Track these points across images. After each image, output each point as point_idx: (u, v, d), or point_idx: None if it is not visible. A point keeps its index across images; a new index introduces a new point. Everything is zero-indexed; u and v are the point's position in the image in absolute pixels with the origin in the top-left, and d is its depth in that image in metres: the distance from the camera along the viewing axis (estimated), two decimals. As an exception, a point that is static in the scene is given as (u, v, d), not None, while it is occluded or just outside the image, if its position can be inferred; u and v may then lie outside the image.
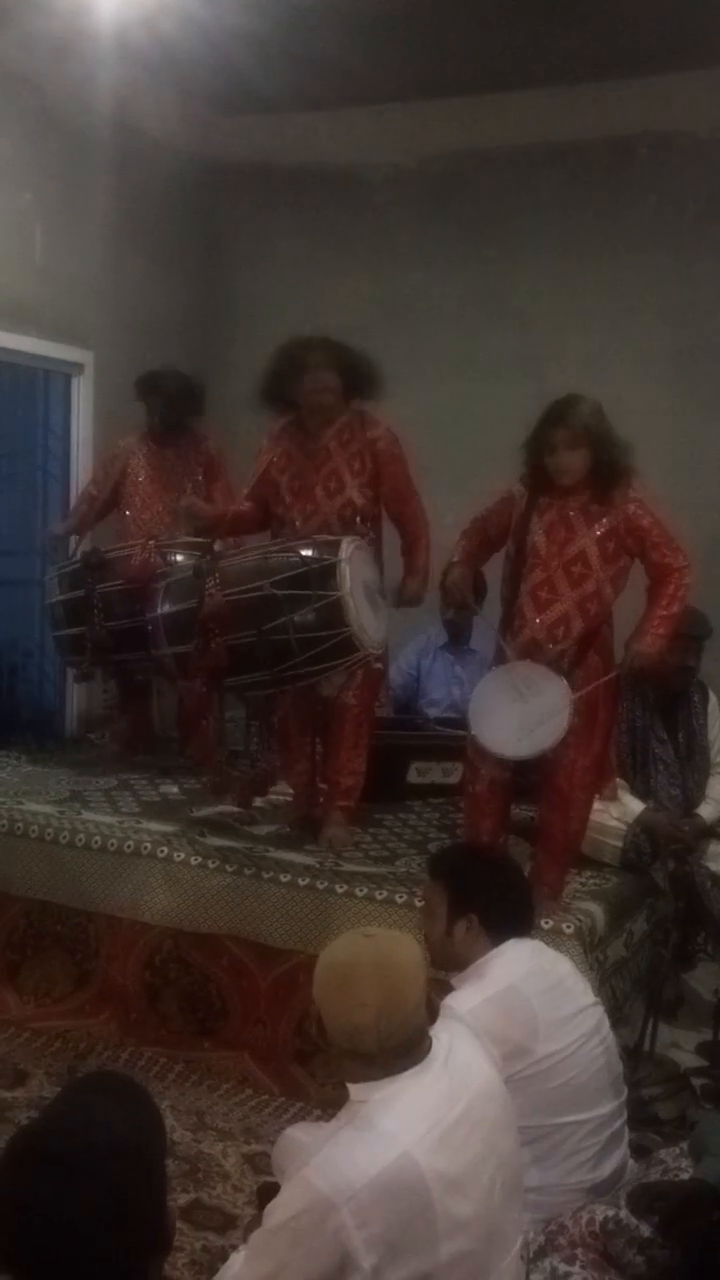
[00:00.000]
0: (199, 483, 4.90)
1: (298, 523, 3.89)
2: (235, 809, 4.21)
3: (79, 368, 5.73)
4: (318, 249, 6.30)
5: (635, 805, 4.00)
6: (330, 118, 6.10)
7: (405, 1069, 2.01)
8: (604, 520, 3.38)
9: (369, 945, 2.08)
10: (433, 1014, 2.21)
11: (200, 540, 4.21)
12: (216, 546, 4.07)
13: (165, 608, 4.01)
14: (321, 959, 2.14)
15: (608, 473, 3.35)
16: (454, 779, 4.26)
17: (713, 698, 4.28)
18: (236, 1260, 2.06)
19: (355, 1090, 2.02)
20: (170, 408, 4.85)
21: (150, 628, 4.14)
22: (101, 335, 5.74)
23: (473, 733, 3.52)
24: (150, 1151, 1.54)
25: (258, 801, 4.34)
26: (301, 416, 3.93)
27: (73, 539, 5.12)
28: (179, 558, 4.31)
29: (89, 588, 4.51)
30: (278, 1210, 1.94)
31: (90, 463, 5.56)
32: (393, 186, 6.23)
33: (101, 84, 5.30)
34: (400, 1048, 2.01)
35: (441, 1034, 2.12)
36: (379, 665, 3.95)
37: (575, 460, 3.36)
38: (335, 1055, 2.10)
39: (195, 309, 6.37)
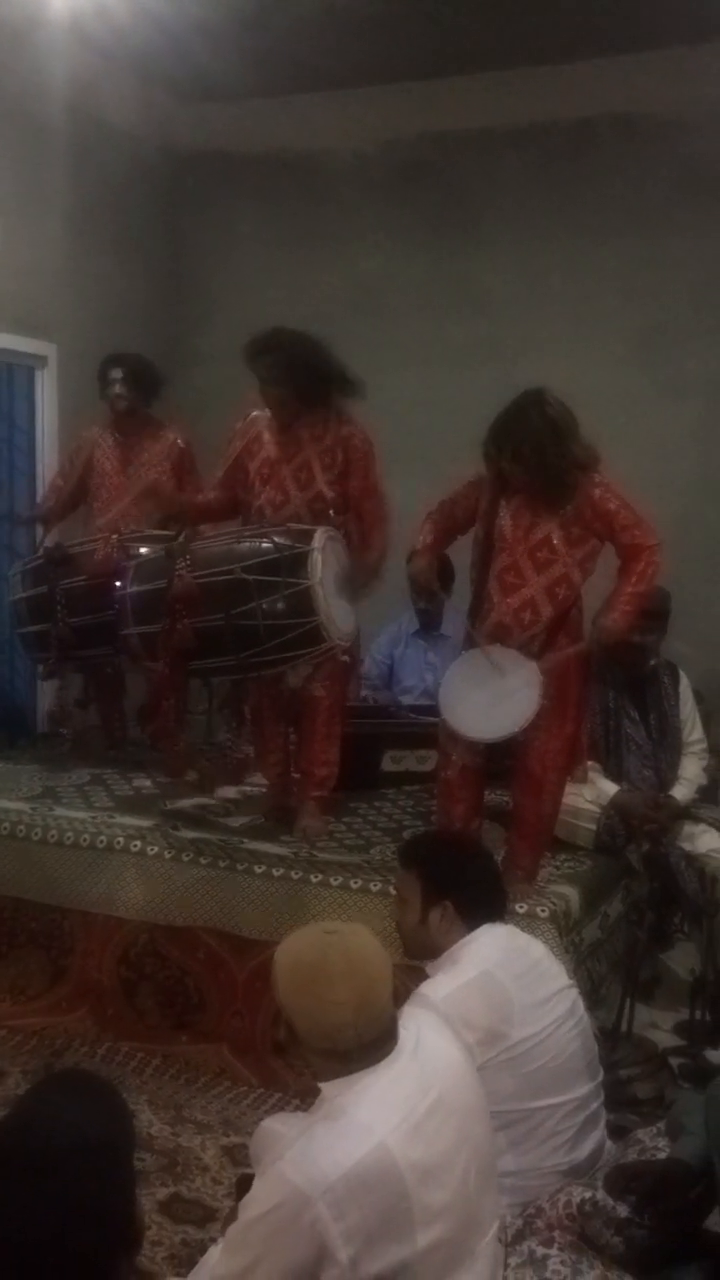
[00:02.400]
0: (165, 474, 4.86)
1: (267, 512, 3.87)
2: (209, 800, 4.19)
3: (42, 360, 5.69)
4: (281, 237, 6.27)
5: (609, 787, 4.01)
6: (291, 105, 6.06)
7: (377, 1061, 2.00)
8: (569, 506, 3.38)
9: (336, 942, 2.05)
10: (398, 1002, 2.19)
11: (165, 533, 4.17)
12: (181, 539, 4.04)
13: (134, 587, 3.97)
14: (284, 961, 2.10)
15: (559, 475, 3.32)
16: (428, 766, 4.26)
17: (683, 679, 4.30)
18: (214, 1254, 2.05)
19: (328, 1088, 2.01)
20: (133, 381, 4.78)
21: (117, 606, 4.09)
22: (65, 327, 5.69)
23: (443, 717, 3.52)
24: (119, 1149, 1.53)
25: (232, 793, 4.33)
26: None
27: (40, 532, 5.08)
28: (143, 551, 4.27)
29: (52, 584, 4.47)
30: (253, 1204, 1.93)
31: (56, 456, 5.52)
32: (355, 173, 6.21)
33: (59, 74, 5.26)
34: (376, 1041, 2.01)
35: (409, 1023, 2.11)
36: (346, 659, 3.93)
37: (518, 469, 3.35)
38: (308, 1056, 2.07)
39: (159, 299, 6.33)
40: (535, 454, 3.28)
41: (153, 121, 6.14)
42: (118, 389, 4.80)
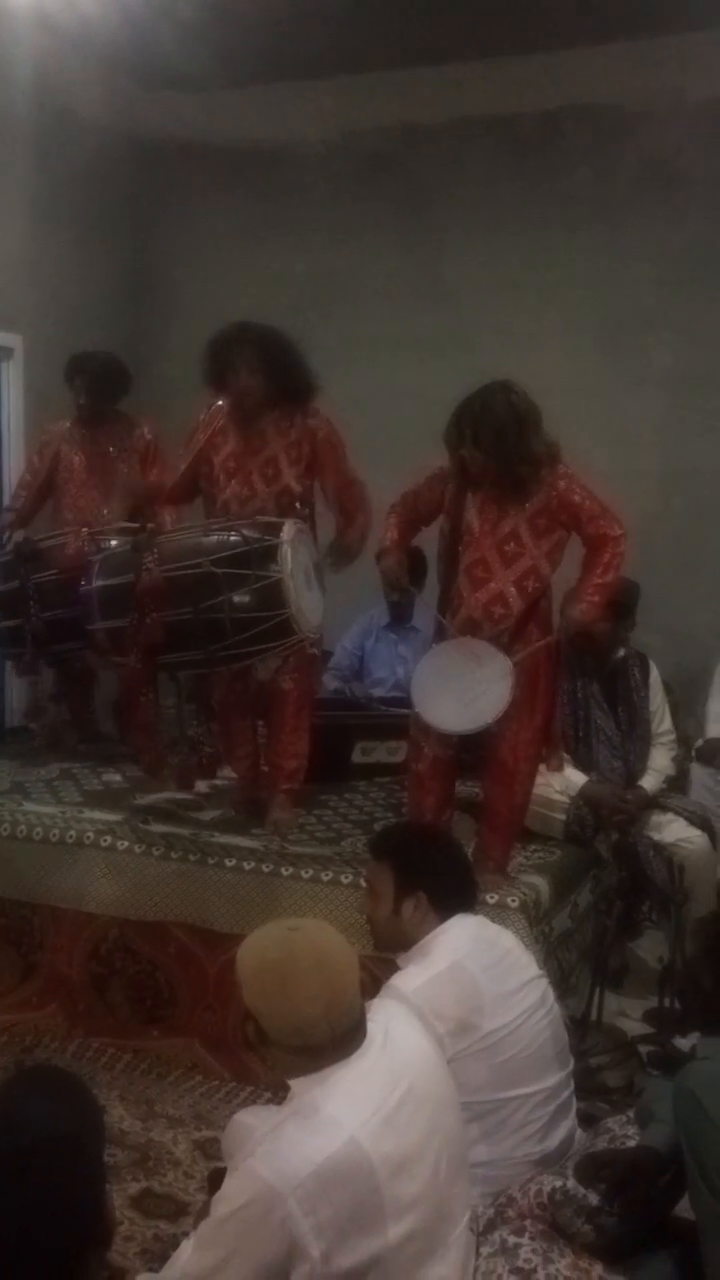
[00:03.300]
0: (133, 467, 4.83)
1: (233, 506, 3.85)
2: (180, 795, 4.18)
3: (8, 352, 5.64)
4: (247, 227, 6.24)
5: (578, 778, 4.03)
6: (258, 95, 6.03)
7: (348, 1055, 2.00)
8: (534, 498, 3.38)
9: (301, 938, 2.05)
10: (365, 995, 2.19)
11: (135, 525, 4.15)
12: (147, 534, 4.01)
13: (100, 581, 3.95)
14: (248, 962, 2.08)
15: (516, 465, 3.32)
16: (399, 758, 4.26)
17: (654, 670, 4.33)
18: (186, 1249, 2.05)
19: (298, 1084, 2.01)
20: (96, 389, 4.77)
21: (83, 600, 4.07)
22: (30, 319, 5.64)
23: (415, 710, 3.52)
24: (87, 1145, 1.53)
25: (203, 786, 4.31)
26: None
27: (2, 526, 5.03)
28: (114, 543, 4.24)
29: (23, 579, 4.43)
30: (224, 1201, 1.93)
31: (23, 449, 5.48)
32: (321, 164, 6.18)
33: (24, 63, 5.21)
34: (347, 1034, 2.01)
35: (378, 1015, 2.12)
36: (314, 651, 3.92)
37: (478, 456, 3.35)
38: (278, 1054, 2.05)
39: (125, 290, 6.29)
40: (496, 442, 3.29)
41: (119, 111, 6.09)
42: (81, 398, 4.78)
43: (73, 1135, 1.50)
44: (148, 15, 4.92)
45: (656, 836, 4.07)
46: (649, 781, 4.16)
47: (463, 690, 3.39)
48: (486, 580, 3.41)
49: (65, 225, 5.83)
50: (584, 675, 4.16)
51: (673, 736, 4.34)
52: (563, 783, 3.99)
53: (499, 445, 3.29)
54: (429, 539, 3.75)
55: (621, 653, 4.24)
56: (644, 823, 4.08)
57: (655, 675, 4.32)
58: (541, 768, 3.65)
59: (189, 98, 6.08)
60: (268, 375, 3.76)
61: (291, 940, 2.05)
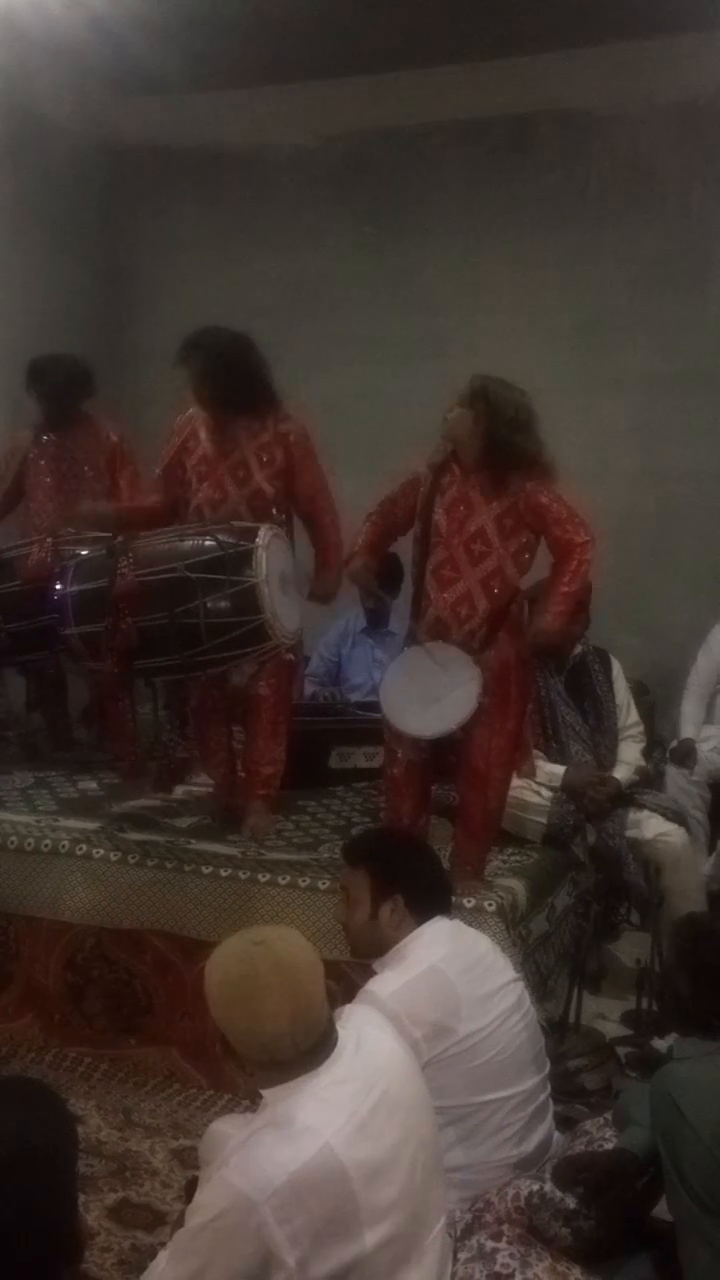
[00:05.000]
0: (101, 472, 4.80)
1: (206, 511, 3.84)
2: (155, 802, 4.16)
3: (-21, 358, 5.60)
4: (221, 231, 6.23)
5: (556, 769, 4.03)
6: (231, 99, 6.02)
7: (318, 1065, 1.99)
8: (502, 498, 3.38)
9: (264, 952, 2.03)
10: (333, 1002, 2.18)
11: (102, 535, 4.11)
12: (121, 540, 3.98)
13: (74, 586, 3.93)
14: (214, 976, 2.07)
15: (502, 452, 3.33)
16: (376, 763, 4.24)
17: (615, 664, 4.35)
18: (162, 1259, 2.03)
19: (270, 1093, 2.00)
20: (54, 395, 4.74)
21: (58, 605, 4.03)
22: (1, 324, 5.60)
23: (383, 714, 3.51)
24: (59, 1159, 1.52)
25: (178, 793, 4.30)
26: None
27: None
28: (83, 552, 4.21)
29: None
30: (199, 1211, 1.92)
31: (-3, 455, 5.43)
32: (295, 167, 6.18)
33: (-9, 67, 5.18)
34: (314, 1047, 2.00)
35: (349, 1021, 2.11)
36: (290, 657, 3.91)
37: (461, 421, 3.35)
38: (248, 1067, 2.06)
39: (98, 295, 6.27)
40: (490, 411, 3.30)
41: (90, 116, 6.06)
42: (41, 407, 4.74)
43: (44, 1149, 1.49)
44: (118, 20, 4.89)
45: (634, 834, 4.07)
46: (621, 773, 4.16)
47: (429, 694, 3.39)
48: (454, 580, 3.41)
49: (37, 230, 5.80)
50: (546, 672, 4.16)
51: (640, 729, 4.35)
52: (546, 775, 3.98)
53: (492, 416, 3.30)
54: (404, 549, 3.75)
55: (579, 649, 4.25)
56: (621, 822, 4.08)
57: (617, 669, 4.33)
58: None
59: (161, 102, 6.07)
60: (220, 384, 3.76)
61: (254, 955, 2.03)
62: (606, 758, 4.18)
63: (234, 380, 3.77)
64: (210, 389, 3.77)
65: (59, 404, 4.75)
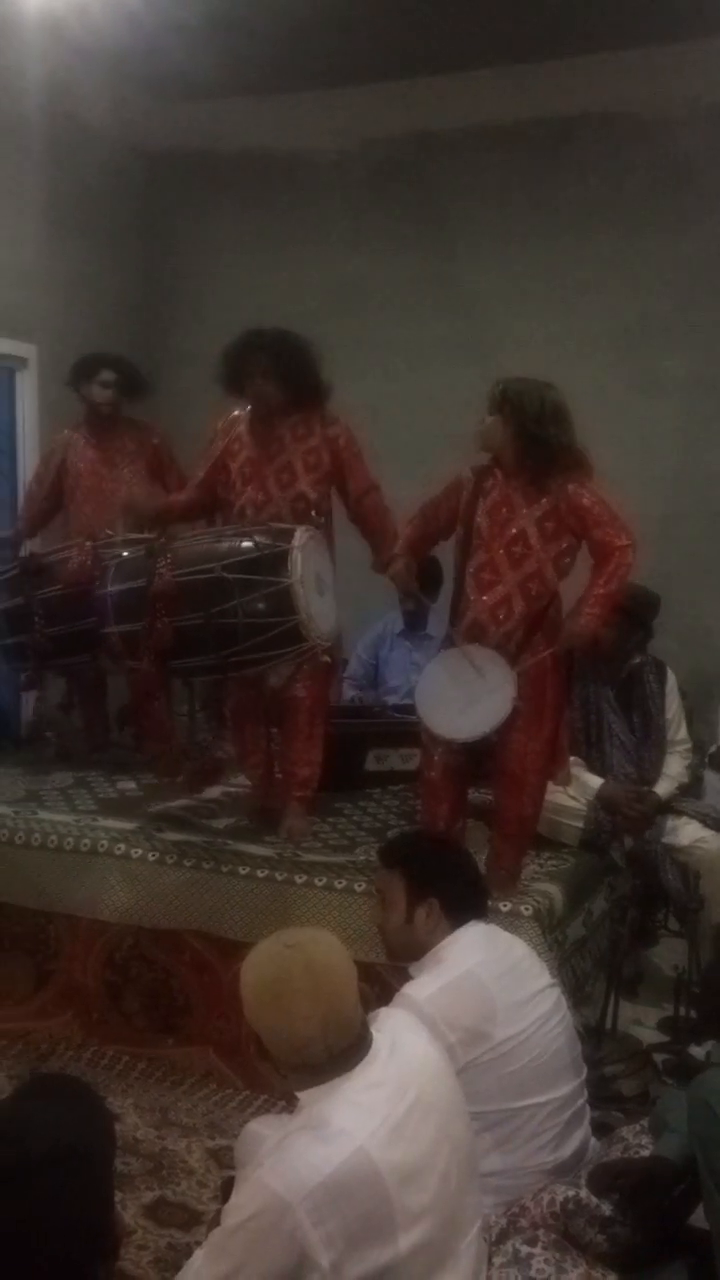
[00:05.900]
0: (141, 475, 4.83)
1: (249, 512, 3.86)
2: (193, 802, 4.18)
3: (22, 362, 5.67)
4: (261, 236, 6.25)
5: (594, 781, 4.01)
6: (271, 104, 6.04)
7: (351, 1068, 2.00)
8: (543, 500, 3.37)
9: (296, 955, 2.03)
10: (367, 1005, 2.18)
11: (142, 536, 4.15)
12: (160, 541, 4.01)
13: (114, 585, 3.96)
14: (247, 979, 2.08)
15: (538, 450, 3.32)
16: (412, 765, 4.25)
17: (671, 678, 4.29)
18: (197, 1258, 2.05)
19: (305, 1095, 2.01)
20: (125, 383, 4.77)
21: (98, 605, 4.07)
22: (45, 328, 5.67)
23: (419, 716, 3.51)
24: (96, 1156, 1.53)
25: (216, 793, 4.32)
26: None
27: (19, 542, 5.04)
28: (124, 554, 4.24)
29: (28, 596, 4.42)
30: (234, 1212, 1.93)
31: (37, 458, 5.49)
32: (336, 172, 6.19)
33: (34, 73, 5.21)
34: (346, 1051, 2.01)
35: (384, 1024, 2.11)
36: (327, 659, 3.91)
37: (493, 429, 3.35)
38: (281, 1068, 2.07)
39: (139, 299, 6.32)
40: (518, 412, 3.30)
41: (131, 121, 6.12)
42: (110, 393, 4.78)
43: (82, 1146, 1.51)
44: (159, 25, 4.94)
45: (671, 841, 4.05)
46: (663, 788, 4.13)
47: (465, 698, 3.38)
48: (494, 583, 3.41)
49: (78, 235, 5.85)
50: (598, 681, 4.15)
51: (688, 745, 4.30)
52: (579, 787, 3.97)
53: (519, 415, 3.30)
54: (445, 553, 3.75)
55: (637, 660, 4.22)
56: (659, 828, 4.06)
57: (672, 682, 4.29)
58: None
59: (201, 107, 6.10)
60: (283, 379, 3.79)
61: (286, 958, 2.04)
62: (650, 771, 4.15)
63: (301, 380, 3.79)
64: (275, 387, 3.79)
65: (123, 394, 4.79)
